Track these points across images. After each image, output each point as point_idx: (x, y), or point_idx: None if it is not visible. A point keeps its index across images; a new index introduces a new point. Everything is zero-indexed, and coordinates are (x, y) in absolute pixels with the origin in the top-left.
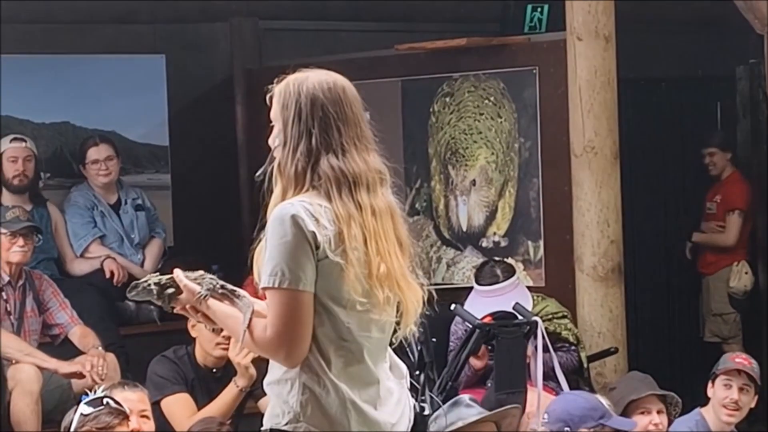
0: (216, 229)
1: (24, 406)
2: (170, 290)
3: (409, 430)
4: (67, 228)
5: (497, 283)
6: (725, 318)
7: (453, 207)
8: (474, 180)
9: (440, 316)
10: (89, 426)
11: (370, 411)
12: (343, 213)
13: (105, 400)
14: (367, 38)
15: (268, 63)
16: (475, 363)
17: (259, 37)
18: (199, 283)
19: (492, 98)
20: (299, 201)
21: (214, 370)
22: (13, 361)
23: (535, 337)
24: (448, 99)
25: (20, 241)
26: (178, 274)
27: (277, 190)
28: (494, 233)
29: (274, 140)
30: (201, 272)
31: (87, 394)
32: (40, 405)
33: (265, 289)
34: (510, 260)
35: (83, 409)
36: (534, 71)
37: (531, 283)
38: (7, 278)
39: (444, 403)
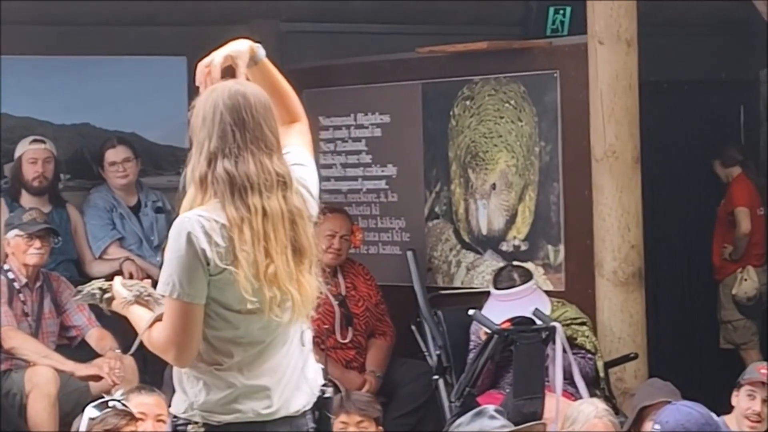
0: None
1: (41, 409)
2: (108, 295)
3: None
4: (86, 230)
5: (514, 287)
6: (734, 325)
7: (473, 210)
8: (494, 184)
9: (459, 320)
10: (97, 429)
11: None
12: (235, 216)
13: (111, 403)
14: (389, 40)
15: (289, 65)
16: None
17: (280, 40)
18: (129, 290)
19: (512, 101)
20: (197, 215)
21: None
22: (31, 364)
23: (554, 343)
24: (468, 102)
25: (37, 243)
26: (115, 281)
27: (188, 196)
28: (514, 237)
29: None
30: (137, 281)
31: (103, 397)
32: (57, 407)
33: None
34: (530, 264)
35: (90, 412)
36: (555, 75)
37: (551, 288)
38: (24, 280)
39: (462, 408)
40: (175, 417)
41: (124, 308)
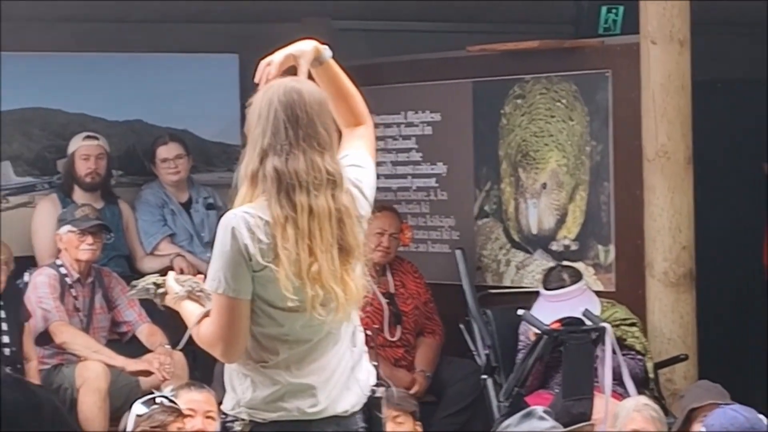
0: None
1: (91, 404)
2: (161, 290)
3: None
4: (137, 226)
5: (564, 287)
6: None
7: (523, 210)
8: (545, 183)
9: (508, 319)
10: (144, 425)
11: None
12: (279, 214)
13: (159, 399)
14: (439, 39)
15: (339, 63)
16: None
17: (331, 38)
18: (182, 286)
19: (564, 101)
20: (243, 212)
21: None
22: (82, 358)
23: (604, 344)
24: (519, 101)
25: (89, 239)
26: (169, 276)
27: (239, 192)
28: (564, 237)
29: None
30: (189, 276)
31: (152, 393)
32: (107, 402)
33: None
34: (580, 264)
35: (137, 409)
36: (607, 74)
37: (601, 288)
38: (76, 275)
39: (510, 408)
40: (224, 414)
41: (176, 303)
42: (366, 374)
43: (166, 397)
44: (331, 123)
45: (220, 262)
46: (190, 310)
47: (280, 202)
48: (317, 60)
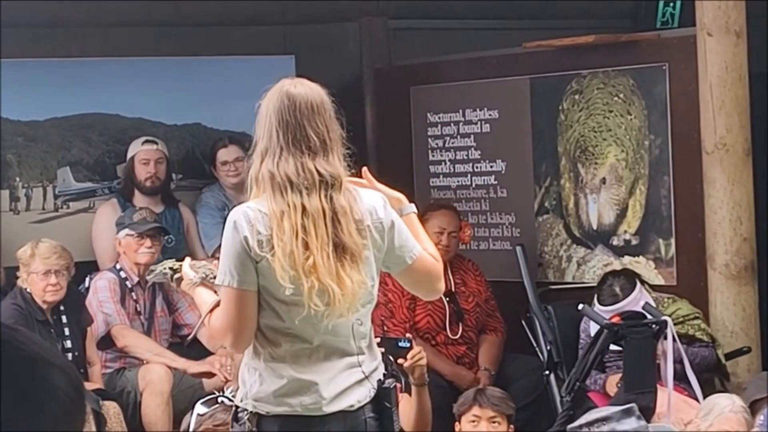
0: None
1: (155, 406)
2: (178, 275)
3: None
4: (198, 229)
5: (617, 302)
6: None
7: (583, 205)
8: (604, 178)
9: (569, 315)
10: (206, 424)
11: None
12: (275, 210)
13: (220, 399)
14: (496, 36)
15: (397, 62)
16: (610, 390)
17: (389, 37)
18: (196, 272)
19: (621, 95)
20: (245, 206)
21: None
22: (144, 361)
23: (665, 337)
24: (577, 96)
25: (147, 242)
26: (185, 262)
27: (251, 191)
28: (625, 231)
29: None
30: (204, 263)
31: (215, 393)
32: (171, 405)
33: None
34: (641, 259)
35: (199, 409)
36: (664, 67)
37: (662, 282)
38: (136, 279)
39: (572, 403)
40: (236, 407)
41: (191, 289)
42: (373, 367)
43: (227, 397)
44: (325, 126)
45: (226, 256)
46: (203, 299)
47: (276, 200)
48: (399, 210)
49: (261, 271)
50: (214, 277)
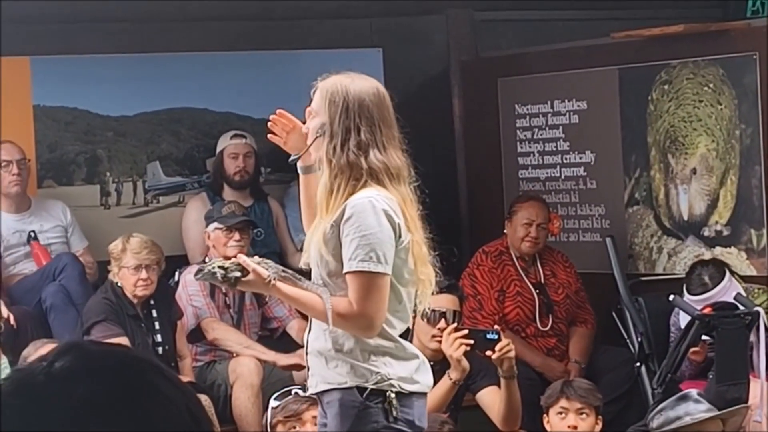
0: (435, 218)
1: (245, 399)
2: (236, 273)
3: None
4: (287, 222)
5: (707, 291)
6: None
7: (673, 196)
8: (694, 168)
9: (660, 307)
10: (279, 416)
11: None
12: (401, 197)
13: (293, 391)
14: (583, 26)
15: (484, 54)
16: (694, 358)
17: (475, 29)
18: (264, 268)
19: (711, 85)
20: (378, 195)
21: (432, 363)
22: (234, 354)
23: (758, 328)
24: (666, 86)
25: (236, 236)
26: (244, 259)
27: (324, 178)
28: (716, 222)
29: (314, 130)
30: (260, 258)
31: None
32: (260, 398)
33: (355, 271)
34: (732, 249)
35: (273, 402)
36: (754, 56)
37: (754, 273)
38: None
39: (664, 395)
40: (361, 391)
41: (270, 286)
42: None
43: (300, 388)
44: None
45: (380, 244)
46: (295, 292)
47: (397, 190)
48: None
49: (397, 253)
50: (283, 271)
